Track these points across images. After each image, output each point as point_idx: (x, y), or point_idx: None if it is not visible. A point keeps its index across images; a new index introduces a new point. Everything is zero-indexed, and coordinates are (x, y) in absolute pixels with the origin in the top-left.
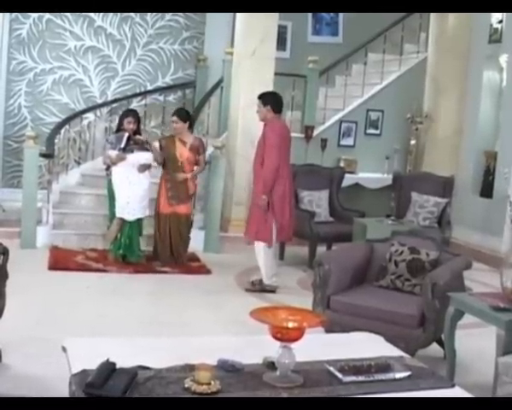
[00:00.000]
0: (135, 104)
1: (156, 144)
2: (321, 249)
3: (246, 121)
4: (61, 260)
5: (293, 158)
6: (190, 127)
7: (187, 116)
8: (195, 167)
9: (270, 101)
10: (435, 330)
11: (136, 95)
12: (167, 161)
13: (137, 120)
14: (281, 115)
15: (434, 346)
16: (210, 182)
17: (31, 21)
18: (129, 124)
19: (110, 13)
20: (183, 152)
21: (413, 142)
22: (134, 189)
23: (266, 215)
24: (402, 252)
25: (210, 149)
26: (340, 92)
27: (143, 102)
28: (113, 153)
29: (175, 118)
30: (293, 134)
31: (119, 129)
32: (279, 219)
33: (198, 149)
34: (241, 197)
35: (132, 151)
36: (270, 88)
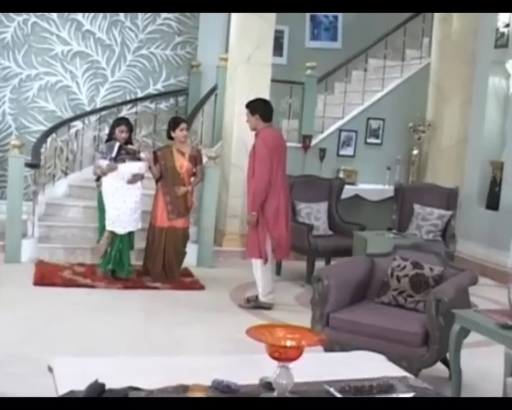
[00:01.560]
0: (125, 112)
1: (143, 155)
2: (320, 264)
3: (241, 130)
4: (47, 276)
5: (290, 169)
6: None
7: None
8: (192, 179)
9: (259, 109)
10: (440, 349)
11: (126, 102)
12: (165, 174)
13: (130, 129)
14: (272, 124)
15: (439, 365)
16: (203, 194)
17: (15, 25)
18: (121, 133)
19: (99, 16)
20: (182, 163)
21: (415, 151)
22: (125, 200)
23: (260, 232)
24: (404, 267)
25: (204, 160)
26: (339, 100)
27: (134, 109)
28: (104, 163)
29: (185, 125)
30: (290, 144)
31: (111, 138)
32: (274, 236)
33: (196, 159)
34: (236, 210)
35: (124, 161)
36: (265, 95)
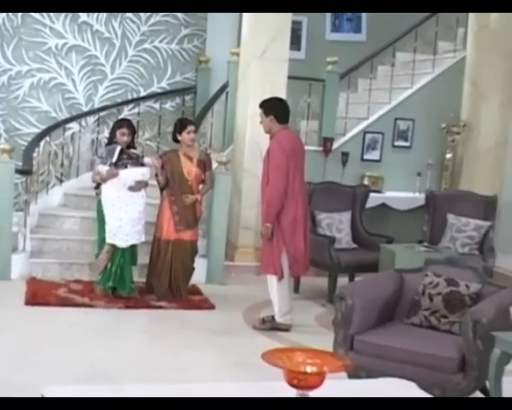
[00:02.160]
0: (126, 113)
1: (148, 160)
2: (342, 281)
3: (254, 132)
4: (40, 294)
5: (309, 175)
6: None
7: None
8: (201, 186)
9: (273, 109)
10: (478, 376)
11: (127, 102)
12: (172, 181)
13: (132, 132)
14: (289, 125)
15: (477, 395)
16: (213, 203)
17: (4, 16)
18: (123, 136)
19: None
20: (190, 169)
21: (449, 155)
22: (127, 210)
23: (274, 245)
24: (437, 284)
25: (213, 165)
26: (363, 98)
27: (136, 110)
28: (104, 168)
29: (193, 128)
30: (308, 147)
31: (111, 141)
32: (291, 250)
33: (205, 164)
34: (250, 220)
35: (126, 166)
36: (282, 94)
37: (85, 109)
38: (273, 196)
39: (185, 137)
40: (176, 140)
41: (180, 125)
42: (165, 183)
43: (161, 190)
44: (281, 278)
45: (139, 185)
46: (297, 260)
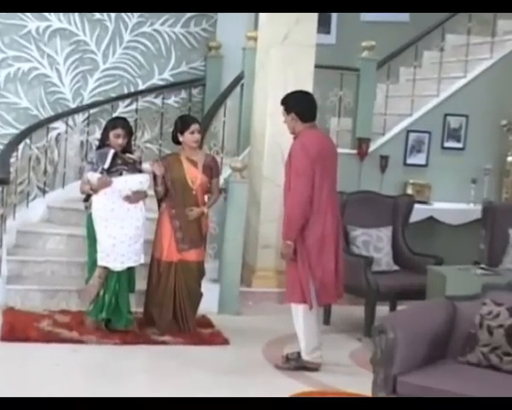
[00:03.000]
0: (121, 110)
1: (147, 166)
2: (382, 310)
3: (275, 132)
4: (19, 327)
5: (342, 183)
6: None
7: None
8: (206, 196)
9: (295, 105)
10: None
11: (123, 97)
12: (173, 190)
13: (128, 133)
14: (316, 124)
15: None
16: (227, 217)
17: None
18: (117, 138)
19: None
20: (195, 175)
21: (511, 158)
22: (123, 226)
23: (300, 268)
24: (498, 314)
25: (227, 172)
26: (406, 91)
27: (133, 106)
28: (95, 176)
29: (197, 127)
30: (340, 150)
31: (103, 144)
32: (318, 273)
33: (211, 170)
34: (270, 238)
35: (121, 173)
36: (308, 86)
37: (73, 106)
38: (294, 209)
39: (188, 138)
40: (177, 142)
41: (182, 124)
42: (165, 193)
43: (159, 201)
44: (310, 307)
45: (137, 196)
46: (326, 286)
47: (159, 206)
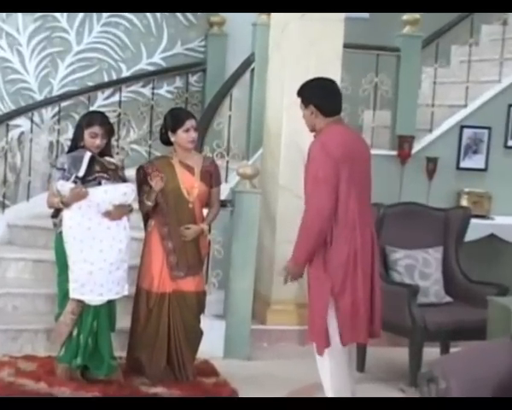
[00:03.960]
0: (100, 103)
1: (132, 174)
2: (431, 353)
3: (294, 130)
4: None
5: (378, 193)
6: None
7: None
8: (205, 211)
9: (314, 96)
10: None
11: (102, 86)
12: (164, 203)
13: (108, 132)
14: (341, 119)
15: None
16: (234, 236)
17: None
18: (94, 137)
19: None
20: (191, 184)
21: None
22: (102, 249)
23: (317, 297)
24: None
25: (233, 180)
26: (459, 76)
27: (115, 98)
28: (66, 186)
29: (193, 122)
30: (375, 151)
31: (76, 146)
32: (342, 304)
33: (211, 176)
34: None
35: (99, 183)
36: (334, 71)
37: (39, 98)
38: (310, 224)
39: (182, 137)
40: (167, 142)
41: (173, 120)
42: (154, 206)
43: (146, 217)
44: (326, 345)
45: (120, 211)
46: (353, 321)
47: (145, 223)
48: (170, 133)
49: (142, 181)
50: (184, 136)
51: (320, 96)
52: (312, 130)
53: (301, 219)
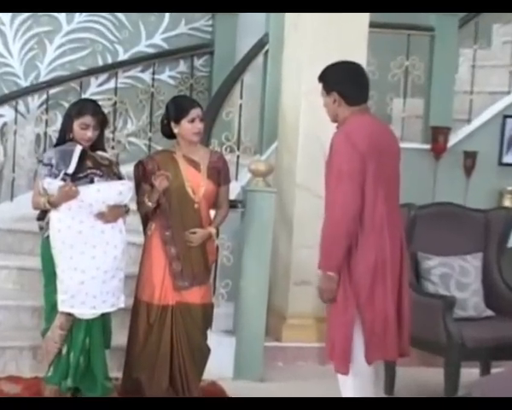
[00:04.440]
0: (94, 90)
1: (129, 170)
2: (470, 373)
3: (314, 121)
4: None
5: (408, 192)
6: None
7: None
8: (212, 212)
9: (337, 82)
10: None
11: (96, 71)
12: (166, 204)
13: (101, 122)
14: (368, 108)
15: None
16: (245, 241)
17: None
18: (85, 129)
19: None
20: (197, 183)
21: None
22: (95, 255)
23: (340, 309)
24: None
25: (245, 177)
26: (501, 58)
27: (111, 84)
28: (54, 184)
29: (199, 111)
30: (406, 144)
31: (65, 138)
32: (368, 317)
33: (219, 173)
34: (308, 270)
35: (92, 181)
36: (359, 54)
37: (25, 84)
38: (336, 226)
39: (186, 128)
40: (169, 134)
41: (177, 109)
42: (155, 207)
43: (145, 219)
44: (345, 363)
45: (115, 212)
46: (379, 336)
47: (145, 226)
48: (173, 124)
49: (142, 178)
50: (189, 127)
51: (344, 82)
52: (334, 120)
53: (324, 222)
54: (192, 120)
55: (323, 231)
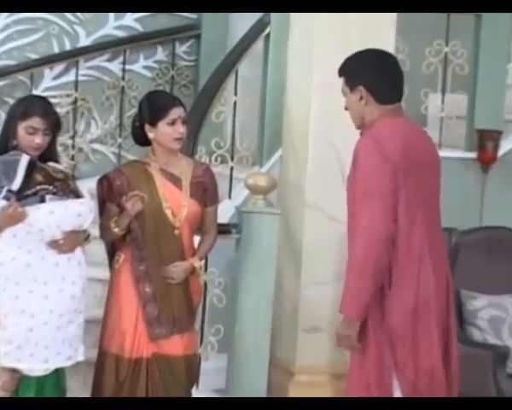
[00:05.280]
0: (48, 84)
1: (91, 187)
2: None
3: (327, 124)
4: None
5: (449, 213)
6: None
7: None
8: (196, 239)
9: (366, 74)
10: None
11: (51, 60)
12: (137, 229)
13: (52, 125)
14: (401, 108)
15: None
16: (241, 276)
17: None
18: (32, 134)
19: None
20: (177, 202)
21: None
22: (48, 295)
23: (369, 363)
24: None
25: (239, 195)
26: None
27: (70, 76)
28: None
29: (181, 111)
30: (446, 153)
31: (7, 146)
32: (409, 374)
33: (205, 190)
34: (320, 314)
35: (43, 199)
36: (386, 40)
37: None
38: (361, 258)
39: (164, 132)
40: (143, 140)
41: (152, 108)
42: (125, 233)
43: (111, 249)
44: None
45: (72, 239)
46: (422, 390)
47: (111, 258)
48: (147, 127)
49: (107, 197)
50: (169, 131)
51: (374, 74)
52: (360, 124)
53: (348, 253)
54: (172, 122)
55: (348, 266)
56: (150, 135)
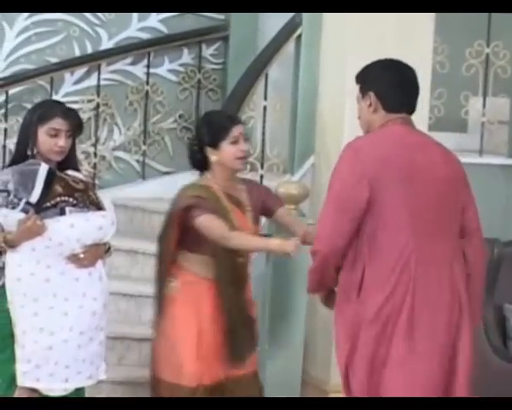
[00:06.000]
0: (69, 89)
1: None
2: None
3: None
4: None
5: (490, 223)
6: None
7: None
8: None
9: (376, 81)
10: None
11: (72, 64)
12: (213, 258)
13: (74, 127)
14: (409, 118)
15: None
16: (271, 291)
17: None
18: (54, 136)
19: None
20: (244, 228)
21: None
22: (67, 312)
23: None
24: None
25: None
26: None
27: (91, 81)
28: (12, 217)
29: (243, 128)
30: (486, 159)
31: (26, 154)
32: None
33: (262, 203)
34: None
35: (62, 211)
36: (425, 40)
37: None
38: (312, 262)
39: (228, 152)
40: (201, 165)
41: (213, 130)
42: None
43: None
44: None
45: (93, 254)
46: None
47: (162, 279)
48: (209, 150)
49: (184, 220)
50: (232, 150)
51: (386, 82)
52: (366, 132)
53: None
54: (235, 141)
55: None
56: (213, 158)
